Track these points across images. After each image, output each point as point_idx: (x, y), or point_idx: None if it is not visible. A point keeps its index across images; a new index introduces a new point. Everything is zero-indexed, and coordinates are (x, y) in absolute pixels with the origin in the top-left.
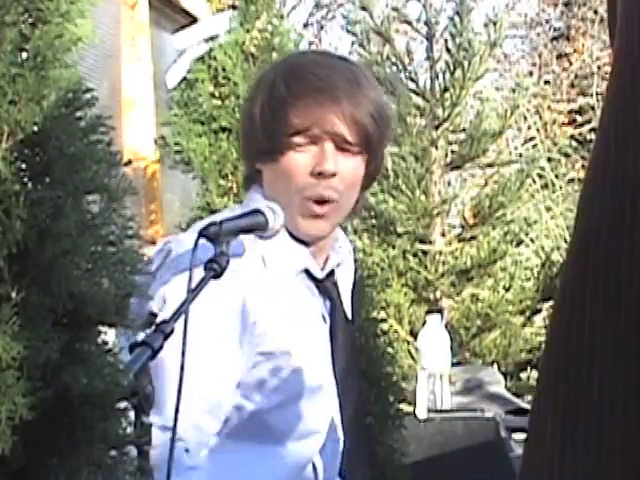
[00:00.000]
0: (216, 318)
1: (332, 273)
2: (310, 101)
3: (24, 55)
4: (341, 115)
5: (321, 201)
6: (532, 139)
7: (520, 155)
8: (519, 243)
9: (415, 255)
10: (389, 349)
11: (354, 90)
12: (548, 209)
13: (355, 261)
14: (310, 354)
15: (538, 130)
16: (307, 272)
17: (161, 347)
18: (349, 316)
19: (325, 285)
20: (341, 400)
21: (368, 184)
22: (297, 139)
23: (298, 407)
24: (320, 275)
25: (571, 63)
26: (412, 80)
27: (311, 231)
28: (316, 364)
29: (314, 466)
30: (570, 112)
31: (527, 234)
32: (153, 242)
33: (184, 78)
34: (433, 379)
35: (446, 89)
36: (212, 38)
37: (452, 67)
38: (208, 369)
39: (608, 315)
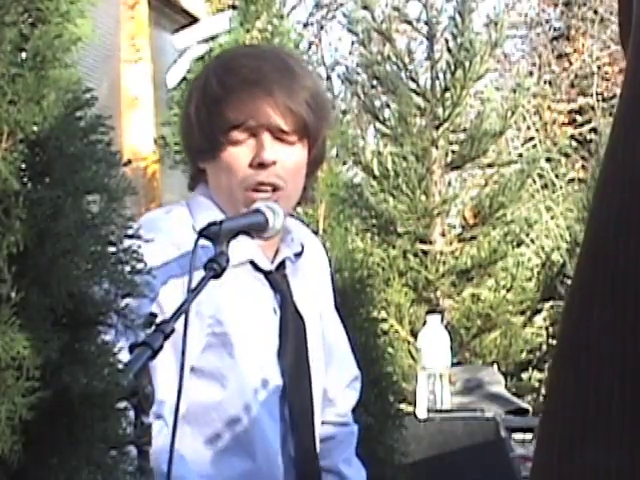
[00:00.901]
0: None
1: (283, 266)
2: (243, 94)
3: (24, 55)
4: (275, 105)
5: (262, 189)
6: (532, 139)
7: (520, 155)
8: (519, 243)
9: (415, 255)
10: (389, 349)
11: (287, 79)
12: (548, 209)
13: (328, 258)
14: (255, 343)
15: (538, 130)
16: (254, 264)
17: (161, 347)
18: (300, 310)
19: (275, 277)
20: (289, 395)
21: (313, 170)
22: (234, 134)
23: (241, 400)
24: (267, 267)
25: (571, 63)
26: (413, 80)
27: None
28: (262, 353)
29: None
30: (570, 112)
31: (527, 234)
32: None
33: (184, 78)
34: (433, 379)
35: (447, 89)
36: (212, 38)
37: (453, 67)
38: None
39: (616, 316)
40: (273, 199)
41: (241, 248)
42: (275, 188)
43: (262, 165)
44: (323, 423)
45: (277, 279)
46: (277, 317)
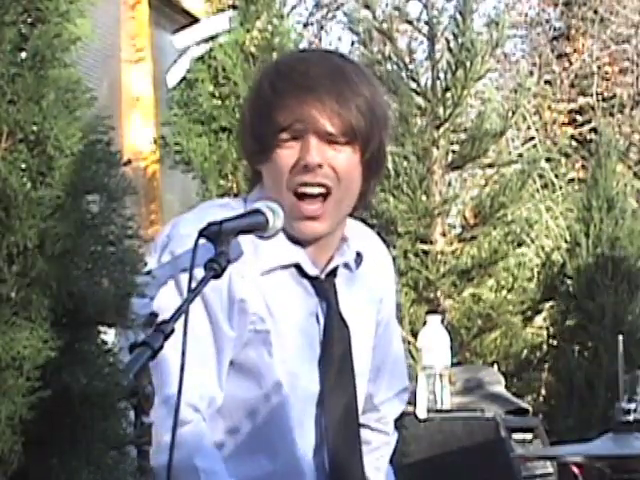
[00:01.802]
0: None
1: (334, 274)
2: (292, 98)
3: (23, 55)
4: (322, 109)
5: (308, 193)
6: (532, 139)
7: (520, 155)
8: (520, 243)
9: (416, 255)
10: None
11: (338, 84)
12: (548, 209)
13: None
14: (294, 347)
15: (538, 130)
16: (299, 268)
17: (161, 347)
18: (347, 319)
19: (321, 284)
20: (327, 405)
21: (370, 175)
22: (282, 136)
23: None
24: (314, 273)
25: (571, 63)
26: (413, 80)
27: (305, 232)
28: (300, 358)
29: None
30: (570, 112)
31: (527, 234)
32: None
33: (184, 78)
34: (433, 379)
35: (447, 89)
36: (212, 38)
37: (453, 67)
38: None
39: None
40: (316, 208)
41: (288, 251)
42: (324, 189)
43: (306, 167)
44: (362, 426)
45: (324, 286)
46: (319, 324)
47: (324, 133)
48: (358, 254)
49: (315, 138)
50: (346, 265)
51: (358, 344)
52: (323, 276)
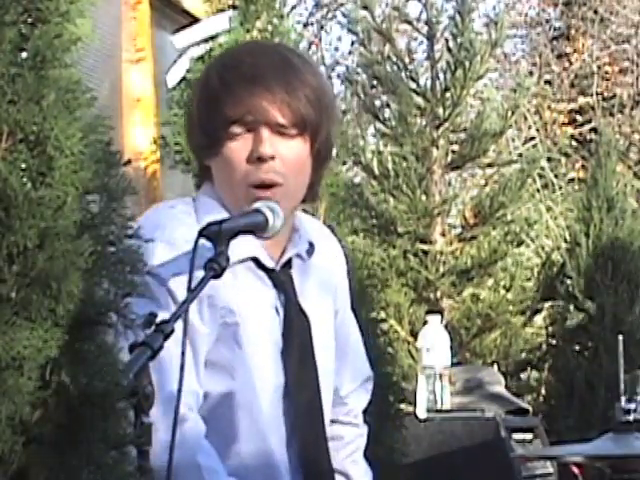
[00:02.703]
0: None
1: (289, 265)
2: (241, 90)
3: (23, 55)
4: (272, 100)
5: (263, 185)
6: (532, 139)
7: (520, 155)
8: (519, 243)
9: (415, 255)
10: (389, 349)
11: (286, 75)
12: (548, 209)
13: (347, 256)
14: (259, 339)
15: (538, 130)
16: (256, 261)
17: (161, 347)
18: (306, 309)
19: (278, 276)
20: (293, 394)
21: (319, 166)
22: (233, 129)
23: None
24: (270, 265)
25: (571, 63)
26: (413, 80)
27: None
28: (266, 350)
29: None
30: (570, 112)
31: (527, 234)
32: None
33: (184, 78)
34: (433, 379)
35: (447, 89)
36: (212, 38)
37: (453, 67)
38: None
39: None
40: (274, 196)
41: (244, 246)
42: (274, 185)
43: (260, 159)
44: (333, 422)
45: (281, 278)
46: (279, 316)
47: (275, 125)
48: (310, 244)
49: (267, 130)
50: (299, 255)
51: (319, 334)
52: (279, 268)
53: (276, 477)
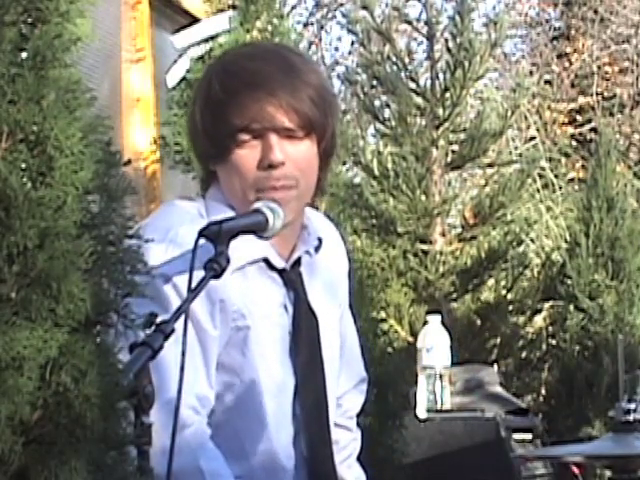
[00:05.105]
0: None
1: (299, 263)
2: (245, 98)
3: (23, 55)
4: (278, 106)
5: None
6: (532, 139)
7: (520, 155)
8: (519, 243)
9: (415, 255)
10: (389, 349)
11: (289, 78)
12: (548, 209)
13: (348, 253)
14: (269, 339)
15: (538, 130)
16: (267, 262)
17: (161, 347)
18: (314, 307)
19: (289, 275)
20: (301, 393)
21: (325, 163)
22: (240, 136)
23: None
24: (281, 265)
25: (571, 63)
26: (412, 80)
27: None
28: (275, 351)
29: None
30: (570, 112)
31: (527, 234)
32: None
33: (184, 78)
34: (433, 379)
35: (446, 89)
36: (212, 38)
37: (453, 67)
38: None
39: None
40: (287, 197)
41: (255, 246)
42: (289, 188)
43: (271, 166)
44: None
45: (291, 277)
46: (288, 314)
47: (282, 129)
48: (319, 239)
49: (275, 135)
50: (307, 252)
51: (326, 332)
52: (289, 266)
53: (281, 477)
